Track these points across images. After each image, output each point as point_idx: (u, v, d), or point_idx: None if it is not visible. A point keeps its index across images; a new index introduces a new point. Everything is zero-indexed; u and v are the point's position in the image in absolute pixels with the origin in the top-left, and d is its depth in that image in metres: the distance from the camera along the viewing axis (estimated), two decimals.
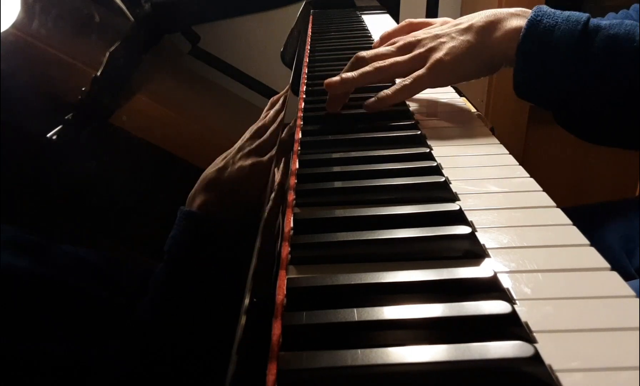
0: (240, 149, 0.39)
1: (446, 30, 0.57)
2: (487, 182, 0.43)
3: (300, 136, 0.54)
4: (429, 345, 0.26)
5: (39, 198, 0.32)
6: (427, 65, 0.55)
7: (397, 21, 1.19)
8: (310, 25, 1.09)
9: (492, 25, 0.54)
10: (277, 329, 0.28)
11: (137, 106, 0.47)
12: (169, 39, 0.64)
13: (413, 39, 0.59)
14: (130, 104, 0.46)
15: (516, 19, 0.53)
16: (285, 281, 0.32)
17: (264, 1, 0.95)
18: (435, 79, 0.55)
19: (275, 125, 0.45)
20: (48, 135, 0.35)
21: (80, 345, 0.25)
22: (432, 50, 0.55)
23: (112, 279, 0.30)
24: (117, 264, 0.31)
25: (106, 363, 0.25)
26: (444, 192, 0.41)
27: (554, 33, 0.50)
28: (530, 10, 0.53)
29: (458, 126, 0.56)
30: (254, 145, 0.40)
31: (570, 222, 0.37)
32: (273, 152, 0.38)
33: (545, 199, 0.40)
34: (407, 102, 0.61)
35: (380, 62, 0.57)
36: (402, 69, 0.57)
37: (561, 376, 0.25)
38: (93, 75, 0.44)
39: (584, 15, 0.50)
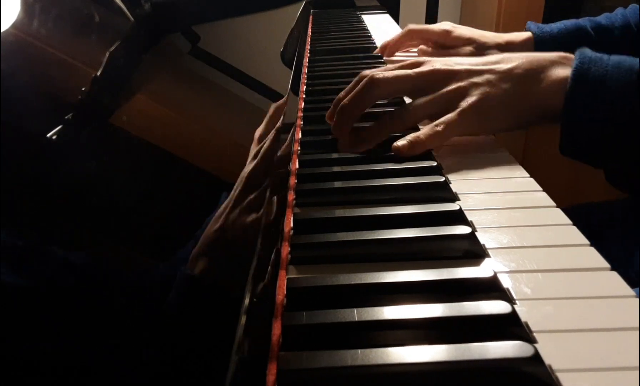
0: (236, 203, 0.37)
1: (482, 68, 0.49)
2: (487, 182, 0.43)
3: (300, 136, 0.54)
4: (429, 345, 0.26)
5: (39, 198, 0.32)
6: (459, 110, 0.47)
7: (397, 21, 1.19)
8: (310, 25, 1.09)
9: (534, 75, 0.48)
10: (277, 329, 0.28)
11: (137, 106, 0.47)
12: (169, 39, 0.64)
13: (443, 67, 0.50)
14: (130, 104, 0.46)
15: (561, 68, 0.47)
16: (285, 281, 0.32)
17: (264, 1, 0.95)
18: (466, 128, 0.48)
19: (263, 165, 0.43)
20: (48, 135, 0.35)
21: (73, 346, 0.25)
22: (464, 93, 0.48)
23: (102, 280, 0.30)
24: (106, 265, 0.31)
25: (103, 363, 0.25)
26: (444, 192, 0.41)
27: (605, 84, 0.44)
28: (572, 56, 0.47)
29: None
30: (251, 197, 0.38)
31: (570, 222, 0.37)
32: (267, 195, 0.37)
33: (545, 199, 0.40)
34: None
35: (401, 111, 0.50)
36: (428, 113, 0.50)
37: (561, 377, 0.25)
38: (93, 75, 0.44)
39: (636, 62, 0.45)
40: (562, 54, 0.49)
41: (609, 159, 0.48)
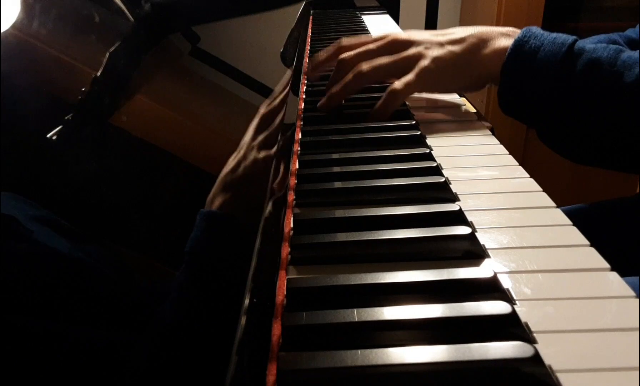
0: (250, 143, 0.39)
1: (436, 39, 0.57)
2: (487, 182, 0.43)
3: (300, 136, 0.54)
4: (429, 345, 0.26)
5: (39, 198, 0.32)
6: (416, 71, 0.55)
7: (397, 21, 1.19)
8: (310, 25, 1.09)
9: (481, 43, 0.55)
10: (277, 329, 0.28)
11: (137, 106, 0.47)
12: (169, 39, 0.64)
13: (402, 37, 0.59)
14: (130, 104, 0.46)
15: (505, 38, 0.54)
16: (285, 281, 0.32)
17: (264, 1, 0.95)
18: (422, 86, 0.56)
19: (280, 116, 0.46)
20: (48, 135, 0.35)
21: (112, 332, 0.25)
22: (419, 56, 0.56)
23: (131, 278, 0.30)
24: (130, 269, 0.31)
25: (136, 353, 0.25)
26: (444, 192, 0.41)
27: (538, 54, 0.50)
28: (518, 31, 0.54)
29: (458, 126, 0.56)
30: (262, 137, 0.40)
31: (570, 222, 0.37)
32: (281, 142, 0.39)
33: (545, 199, 0.40)
34: (407, 102, 0.61)
35: (363, 66, 0.57)
36: (385, 73, 0.57)
37: (561, 377, 0.25)
38: (93, 75, 0.44)
39: (570, 38, 0.51)
40: (511, 28, 0.56)
41: (539, 121, 0.54)
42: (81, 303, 0.26)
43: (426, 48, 0.56)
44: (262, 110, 0.48)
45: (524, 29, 0.53)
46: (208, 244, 0.32)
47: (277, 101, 0.51)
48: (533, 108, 0.52)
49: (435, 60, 0.55)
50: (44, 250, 0.26)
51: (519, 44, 0.52)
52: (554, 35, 0.52)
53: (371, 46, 0.60)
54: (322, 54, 0.65)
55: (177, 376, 0.25)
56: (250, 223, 0.32)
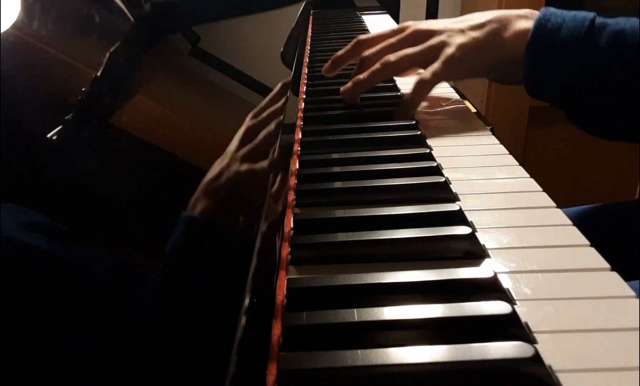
0: (233, 154, 0.39)
1: (457, 26, 0.57)
2: (487, 182, 0.43)
3: (300, 136, 0.54)
4: (429, 345, 0.26)
5: (39, 198, 0.32)
6: (441, 59, 0.55)
7: (397, 21, 1.19)
8: (310, 25, 1.09)
9: (501, 26, 0.55)
10: (277, 329, 0.28)
11: (137, 106, 0.47)
12: (169, 39, 0.64)
13: (423, 28, 0.59)
14: (130, 104, 0.46)
15: (524, 20, 0.54)
16: (285, 281, 0.32)
17: (264, 1, 0.95)
18: (449, 74, 0.56)
19: (269, 129, 0.46)
20: (48, 135, 0.35)
21: (91, 334, 0.25)
22: (444, 44, 0.56)
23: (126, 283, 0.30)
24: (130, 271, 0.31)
25: (107, 352, 0.25)
26: (444, 192, 0.41)
27: (560, 31, 0.51)
28: (537, 12, 0.54)
29: (458, 126, 0.56)
30: (246, 150, 0.40)
31: (570, 222, 0.37)
32: (266, 163, 0.39)
33: (545, 199, 0.40)
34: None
35: (389, 57, 0.57)
36: (412, 63, 0.57)
37: (561, 377, 0.25)
38: (93, 75, 0.44)
39: (590, 14, 0.51)
40: (528, 11, 0.56)
41: (568, 100, 0.54)
42: (64, 304, 0.26)
43: (449, 36, 0.56)
44: (249, 121, 0.48)
45: (542, 9, 0.54)
46: (186, 248, 0.32)
47: (265, 113, 0.50)
48: (560, 87, 0.52)
49: (460, 47, 0.55)
50: (25, 253, 0.26)
51: (540, 23, 0.52)
52: (573, 12, 0.52)
53: (392, 40, 0.60)
54: (342, 51, 0.65)
55: (149, 372, 0.25)
56: (234, 228, 0.33)
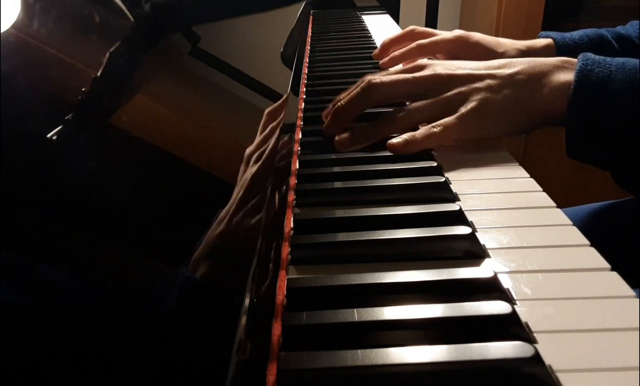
0: (239, 207, 0.37)
1: (483, 73, 0.49)
2: (487, 182, 0.43)
3: (300, 136, 0.54)
4: (429, 345, 0.26)
5: (39, 198, 0.32)
6: (458, 115, 0.47)
7: (397, 21, 1.19)
8: (310, 25, 1.09)
9: (536, 80, 0.47)
10: (277, 329, 0.28)
11: (137, 106, 0.47)
12: (169, 39, 0.64)
13: (444, 72, 0.50)
14: (130, 104, 0.46)
15: (563, 72, 0.47)
16: (285, 281, 0.32)
17: (264, 1, 0.95)
18: (464, 132, 0.48)
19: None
20: (48, 135, 0.35)
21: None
22: (465, 98, 0.48)
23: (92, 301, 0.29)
24: (96, 284, 0.30)
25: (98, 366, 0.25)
26: (444, 192, 0.41)
27: (609, 84, 0.44)
28: (575, 60, 0.47)
29: None
30: (254, 201, 0.37)
31: (570, 222, 0.37)
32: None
33: (545, 199, 0.40)
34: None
35: (398, 113, 0.49)
36: (426, 117, 0.49)
37: (561, 377, 0.25)
38: (93, 75, 0.44)
39: (638, 62, 0.44)
40: (564, 58, 0.48)
41: (616, 161, 0.47)
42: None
43: (470, 87, 0.48)
44: (253, 169, 0.43)
45: (580, 56, 0.47)
46: (185, 311, 0.30)
47: (264, 155, 0.45)
48: (611, 147, 0.45)
49: (483, 104, 0.47)
50: None
51: (582, 75, 0.45)
52: (619, 60, 0.45)
53: (409, 77, 0.51)
54: (345, 100, 0.52)
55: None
56: (236, 289, 0.31)
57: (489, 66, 0.50)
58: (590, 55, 0.47)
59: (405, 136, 0.48)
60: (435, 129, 0.47)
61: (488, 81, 0.48)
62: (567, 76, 0.46)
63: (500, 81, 0.48)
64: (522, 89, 0.47)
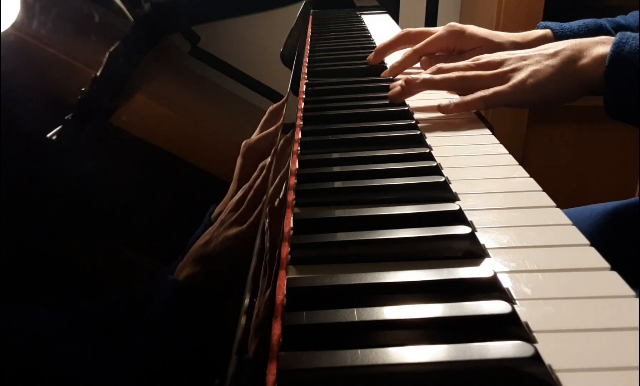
0: (223, 221, 0.39)
1: (531, 54, 0.58)
2: (487, 182, 0.43)
3: (300, 136, 0.54)
4: (429, 345, 0.26)
5: (39, 198, 0.32)
6: (510, 83, 0.56)
7: (397, 21, 1.19)
8: (310, 25, 1.09)
9: (578, 54, 0.55)
10: (277, 329, 0.28)
11: (137, 106, 0.47)
12: (169, 39, 0.64)
13: (497, 58, 0.60)
14: (130, 104, 0.46)
15: (601, 46, 0.55)
16: (285, 281, 0.32)
17: (264, 1, 0.95)
18: (515, 98, 0.56)
19: (253, 191, 0.44)
20: (48, 135, 0.35)
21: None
22: (516, 70, 0.57)
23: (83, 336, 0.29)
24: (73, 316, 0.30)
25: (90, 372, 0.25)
26: (444, 192, 0.41)
27: (638, 54, 0.51)
28: (613, 37, 0.54)
29: (458, 126, 0.56)
30: (236, 215, 0.40)
31: (570, 222, 0.37)
32: (252, 218, 0.38)
33: (545, 199, 0.40)
34: (407, 102, 0.61)
35: (463, 72, 0.59)
36: (483, 84, 0.58)
37: (561, 377, 0.25)
38: (93, 75, 0.44)
39: None
40: (604, 37, 0.56)
41: None
42: None
43: (523, 63, 0.57)
44: (247, 185, 0.45)
45: (618, 34, 0.54)
46: (169, 312, 0.31)
47: (260, 179, 0.48)
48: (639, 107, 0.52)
49: (532, 74, 0.56)
50: None
51: (618, 47, 0.52)
52: None
53: (470, 63, 0.61)
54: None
55: None
56: (219, 293, 0.32)
57: (535, 49, 0.59)
58: (627, 32, 0.54)
59: (455, 99, 0.58)
60: (485, 93, 0.56)
61: (537, 58, 0.57)
62: (605, 49, 0.54)
63: (547, 56, 0.57)
64: (566, 61, 0.55)
